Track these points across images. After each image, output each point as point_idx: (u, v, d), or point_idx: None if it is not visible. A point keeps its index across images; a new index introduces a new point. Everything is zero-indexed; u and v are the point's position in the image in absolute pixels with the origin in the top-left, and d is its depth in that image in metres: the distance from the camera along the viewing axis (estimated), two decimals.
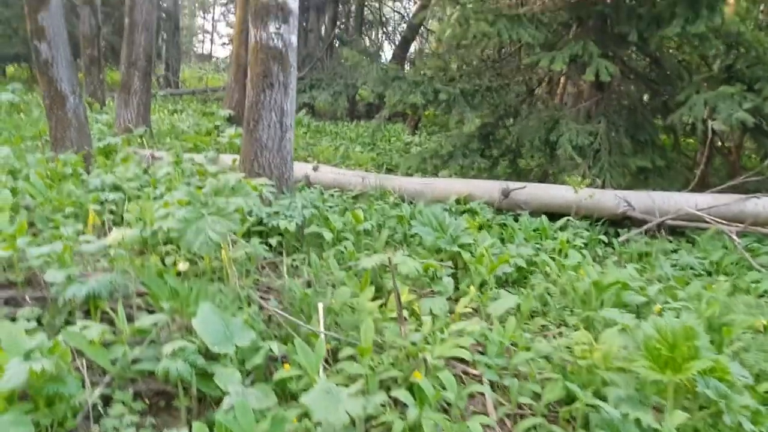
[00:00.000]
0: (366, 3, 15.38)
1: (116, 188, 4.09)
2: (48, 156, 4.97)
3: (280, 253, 3.54)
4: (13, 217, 3.28)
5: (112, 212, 3.88)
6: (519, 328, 2.74)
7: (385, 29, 16.57)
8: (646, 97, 6.52)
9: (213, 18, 34.87)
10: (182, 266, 2.90)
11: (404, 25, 17.28)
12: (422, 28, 16.15)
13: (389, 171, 7.00)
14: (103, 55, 10.67)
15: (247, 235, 3.44)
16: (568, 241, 4.08)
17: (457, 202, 4.92)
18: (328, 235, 3.43)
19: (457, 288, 3.24)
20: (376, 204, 4.77)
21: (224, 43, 31.62)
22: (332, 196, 5.09)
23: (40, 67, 4.93)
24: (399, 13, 16.73)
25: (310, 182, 5.44)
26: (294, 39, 3.73)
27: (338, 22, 16.47)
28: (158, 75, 16.97)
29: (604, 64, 4.48)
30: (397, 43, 16.41)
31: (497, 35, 4.68)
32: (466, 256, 3.23)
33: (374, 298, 2.79)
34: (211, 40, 35.87)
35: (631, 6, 5.00)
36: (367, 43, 16.91)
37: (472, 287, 2.91)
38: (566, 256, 3.95)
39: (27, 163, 4.70)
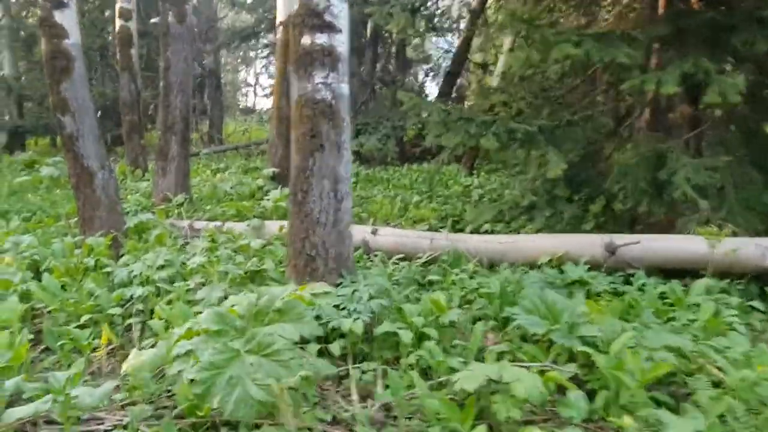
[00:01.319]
0: (407, 41, 14.99)
1: (145, 280, 3.49)
2: (76, 240, 4.49)
3: (344, 357, 2.80)
4: (15, 335, 2.69)
5: (141, 311, 3.27)
6: None
7: (429, 66, 16.11)
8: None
9: (255, 71, 35.85)
10: (218, 401, 2.20)
11: (447, 61, 16.82)
12: (467, 61, 15.60)
13: (455, 223, 6.23)
14: (145, 119, 10.60)
15: (302, 339, 2.73)
16: (716, 315, 3.14)
17: (551, 265, 4.07)
18: (406, 336, 2.66)
19: (589, 398, 2.38)
20: (452, 275, 3.99)
21: (266, 95, 32.28)
22: (397, 264, 4.35)
23: (64, 142, 4.52)
24: (442, 48, 16.30)
25: (370, 248, 4.72)
26: (345, 88, 3.09)
27: (379, 63, 16.16)
28: (202, 133, 17.06)
29: (730, 83, 3.61)
30: (437, 79, 15.93)
31: (585, 57, 3.91)
32: (600, 360, 2.38)
33: None
34: (254, 93, 36.80)
35: (747, 10, 4.14)
36: (412, 82, 16.50)
37: (626, 419, 2.05)
38: (719, 335, 3.01)
39: (52, 252, 4.22)
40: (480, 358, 2.72)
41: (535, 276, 3.54)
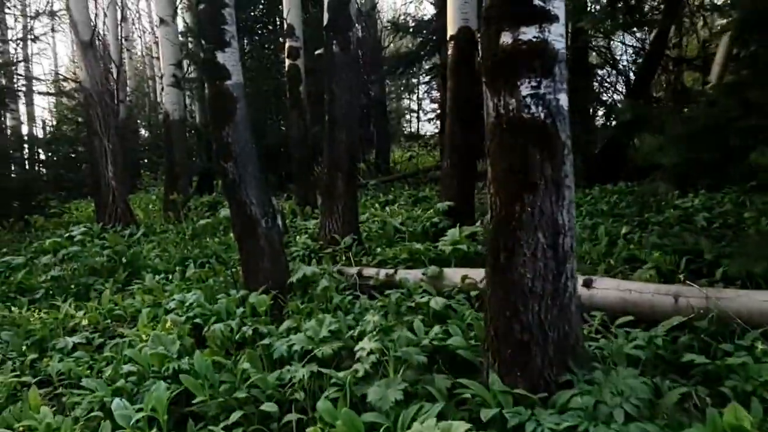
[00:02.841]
0: (591, 43, 13.37)
1: (307, 356, 2.93)
2: (240, 295, 4.20)
3: None
4: None
5: (300, 402, 2.69)
6: None
7: (616, 67, 14.25)
8: None
9: (418, 97, 36.41)
10: None
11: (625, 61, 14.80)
12: (664, 58, 13.47)
13: (689, 262, 4.82)
14: (315, 155, 10.74)
15: None
16: None
17: None
18: None
19: None
20: (723, 354, 2.79)
21: (430, 119, 32.42)
22: (627, 333, 3.24)
23: (226, 189, 4.31)
24: (632, 46, 14.34)
25: (583, 307, 3.68)
26: (564, 100, 2.21)
27: None
28: (369, 163, 17.26)
29: None
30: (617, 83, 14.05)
31: None
32: None
33: None
34: (418, 118, 37.31)
35: None
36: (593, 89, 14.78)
37: None
38: None
39: (217, 311, 3.94)
40: None
41: None
